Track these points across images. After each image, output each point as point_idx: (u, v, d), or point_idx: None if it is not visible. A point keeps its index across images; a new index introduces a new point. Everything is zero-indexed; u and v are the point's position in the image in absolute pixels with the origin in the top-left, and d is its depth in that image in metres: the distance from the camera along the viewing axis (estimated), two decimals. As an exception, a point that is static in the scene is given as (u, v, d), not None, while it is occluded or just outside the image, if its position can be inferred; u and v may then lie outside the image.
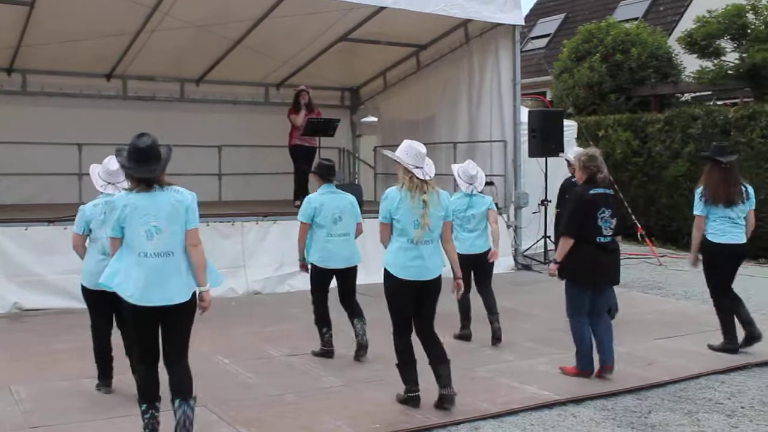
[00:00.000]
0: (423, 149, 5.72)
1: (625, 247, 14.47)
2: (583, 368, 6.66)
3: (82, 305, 8.90)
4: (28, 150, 12.93)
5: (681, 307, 9.85)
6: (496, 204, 12.50)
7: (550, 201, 13.11)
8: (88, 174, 12.33)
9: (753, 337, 7.51)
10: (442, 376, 5.71)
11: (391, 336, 5.84)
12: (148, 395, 4.90)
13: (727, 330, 7.56)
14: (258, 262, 10.52)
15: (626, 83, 18.56)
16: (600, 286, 6.66)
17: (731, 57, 16.20)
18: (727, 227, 7.42)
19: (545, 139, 12.88)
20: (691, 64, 17.92)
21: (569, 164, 8.95)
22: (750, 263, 12.67)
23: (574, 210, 6.55)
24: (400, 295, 5.72)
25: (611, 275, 6.67)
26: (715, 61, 16.39)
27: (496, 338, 7.74)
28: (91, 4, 10.83)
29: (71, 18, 11.23)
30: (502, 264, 12.16)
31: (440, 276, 5.80)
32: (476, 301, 7.96)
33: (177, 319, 4.83)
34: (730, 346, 7.50)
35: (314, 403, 5.91)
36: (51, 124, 13.22)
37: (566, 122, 14.52)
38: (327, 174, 7.21)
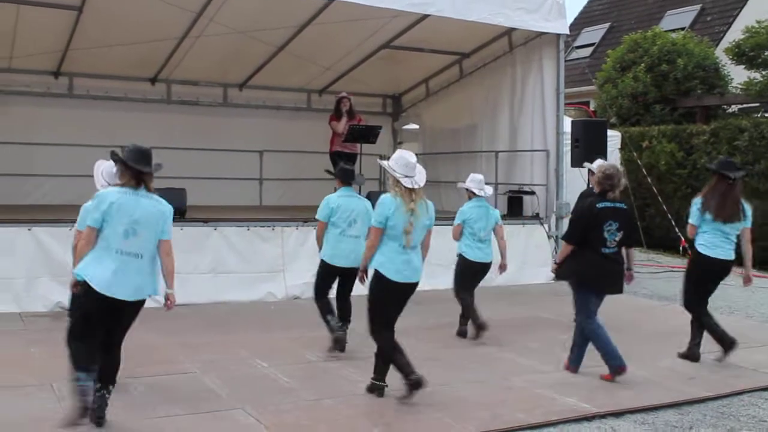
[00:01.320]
0: (413, 159, 6.02)
1: (668, 260, 14.30)
2: (617, 366, 6.80)
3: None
4: (73, 152, 13.09)
5: (724, 322, 9.60)
6: (537, 214, 12.52)
7: (591, 211, 12.97)
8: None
9: (732, 344, 7.54)
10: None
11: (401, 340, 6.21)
12: (87, 363, 5.23)
13: (695, 337, 7.72)
14: (297, 267, 10.53)
15: (671, 94, 18.32)
16: (602, 294, 6.98)
17: (781, 68, 15.95)
18: (719, 241, 7.47)
19: (588, 150, 12.69)
20: (738, 75, 17.66)
21: (592, 174, 9.04)
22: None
23: (578, 220, 6.96)
24: (391, 296, 6.09)
25: (614, 284, 6.98)
26: (764, 73, 16.13)
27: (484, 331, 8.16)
28: (137, 9, 10.98)
29: (118, 23, 11.40)
30: (542, 274, 12.08)
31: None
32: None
33: (128, 315, 5.31)
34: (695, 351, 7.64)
35: (351, 409, 5.90)
36: (96, 127, 13.42)
37: (610, 132, 14.36)
38: (346, 177, 7.64)
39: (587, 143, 12.76)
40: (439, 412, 5.83)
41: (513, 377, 6.84)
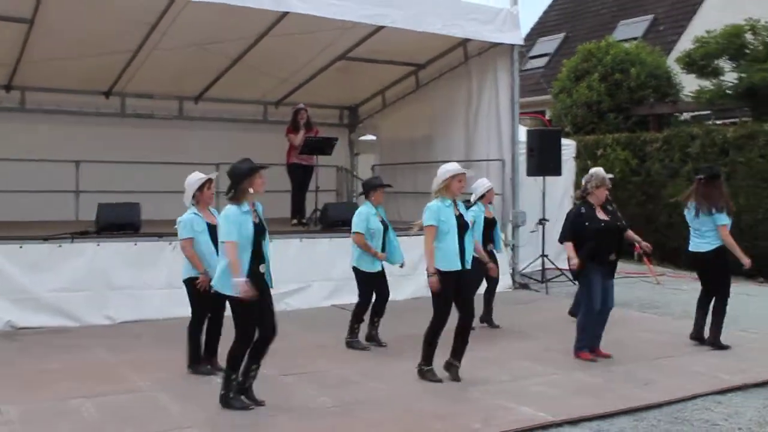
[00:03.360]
0: None
1: (623, 266, 14.41)
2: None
3: (76, 324, 8.91)
4: (25, 167, 12.90)
5: (679, 327, 9.75)
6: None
7: (548, 220, 13.09)
8: (84, 192, 12.34)
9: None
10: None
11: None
12: None
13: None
14: (254, 280, 10.43)
15: (625, 102, 18.56)
16: None
17: (730, 77, 16.22)
18: (691, 235, 8.55)
19: (543, 158, 12.86)
20: (689, 84, 17.95)
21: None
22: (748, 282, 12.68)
23: None
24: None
25: None
26: (714, 81, 16.41)
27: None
28: (90, 22, 10.83)
29: (70, 35, 11.24)
30: (500, 283, 12.11)
31: None
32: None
33: None
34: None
35: (306, 423, 5.85)
36: (49, 141, 13.23)
37: (564, 141, 14.51)
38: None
39: (542, 152, 12.89)
40: (393, 425, 5.81)
41: (468, 387, 6.84)
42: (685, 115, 19.22)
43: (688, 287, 12.08)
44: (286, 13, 10.96)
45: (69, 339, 8.59)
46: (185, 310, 9.76)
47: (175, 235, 10.24)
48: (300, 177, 12.69)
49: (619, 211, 9.89)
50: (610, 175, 10.34)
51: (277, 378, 7.08)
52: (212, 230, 6.97)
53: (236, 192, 6.07)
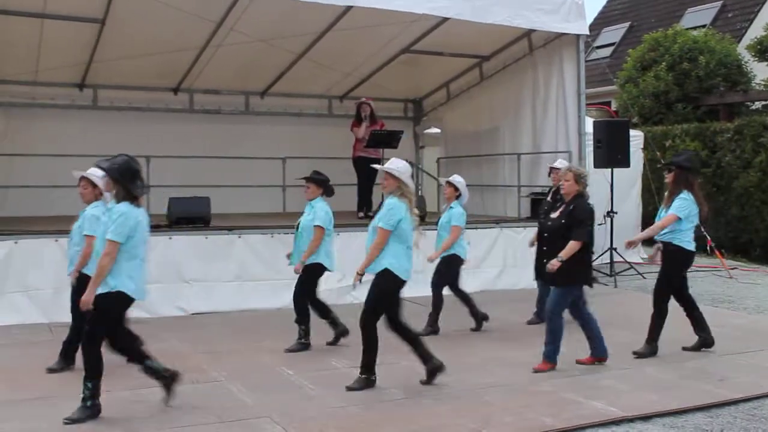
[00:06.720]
0: None
1: (695, 260, 14.16)
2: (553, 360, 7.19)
3: (150, 315, 9.08)
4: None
5: (752, 321, 9.57)
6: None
7: (616, 212, 12.91)
8: (155, 186, 12.57)
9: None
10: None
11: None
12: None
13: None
14: (322, 273, 10.54)
15: (694, 92, 18.19)
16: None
17: (804, 64, 15.80)
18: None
19: (611, 150, 12.68)
20: (761, 72, 17.53)
21: (557, 171, 9.31)
22: None
23: (590, 221, 7.18)
24: (398, 292, 6.63)
25: None
26: (787, 69, 15.99)
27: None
28: (159, 21, 11.07)
29: (140, 34, 11.50)
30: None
31: None
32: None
33: None
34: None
35: (377, 415, 5.90)
36: (121, 138, 13.46)
37: (632, 132, 14.28)
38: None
39: (610, 144, 12.73)
40: (464, 418, 5.81)
41: (538, 381, 6.81)
42: (757, 104, 18.75)
43: (762, 281, 11.80)
44: (349, 8, 11.01)
45: (143, 330, 8.71)
46: (255, 302, 10.04)
47: (243, 228, 10.57)
48: (366, 170, 12.73)
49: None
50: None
51: (347, 370, 7.11)
52: None
53: None
